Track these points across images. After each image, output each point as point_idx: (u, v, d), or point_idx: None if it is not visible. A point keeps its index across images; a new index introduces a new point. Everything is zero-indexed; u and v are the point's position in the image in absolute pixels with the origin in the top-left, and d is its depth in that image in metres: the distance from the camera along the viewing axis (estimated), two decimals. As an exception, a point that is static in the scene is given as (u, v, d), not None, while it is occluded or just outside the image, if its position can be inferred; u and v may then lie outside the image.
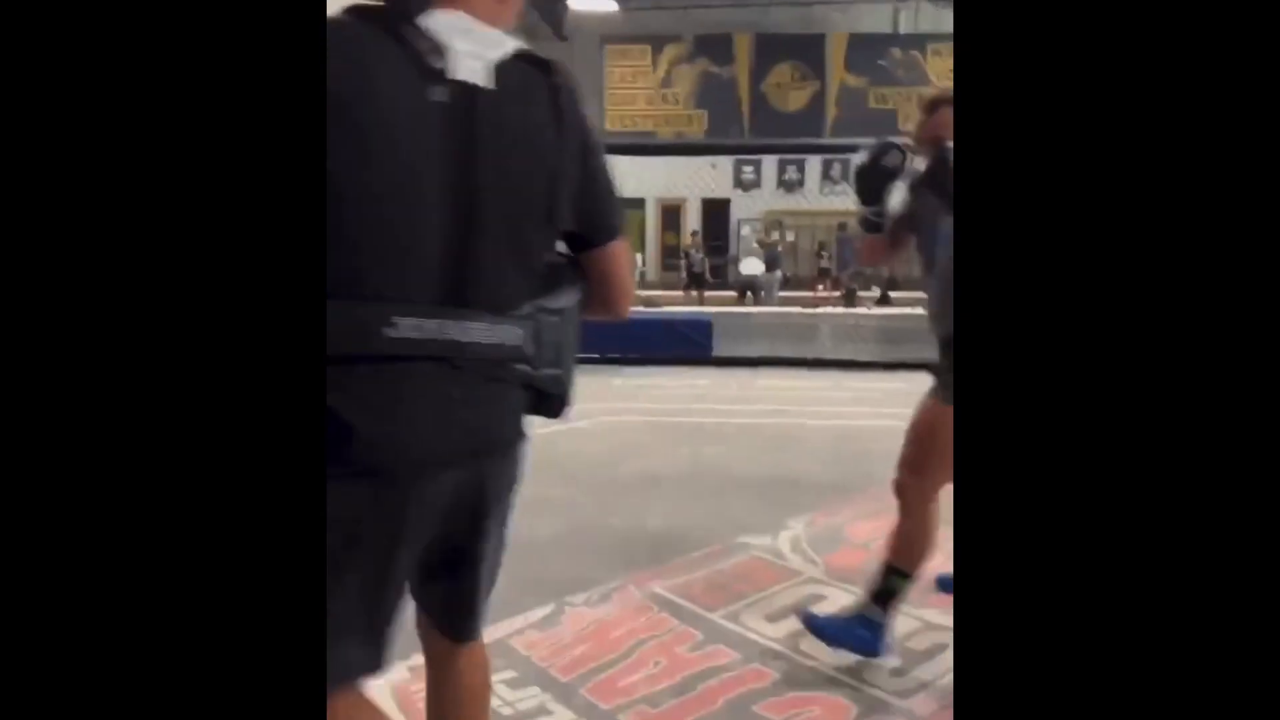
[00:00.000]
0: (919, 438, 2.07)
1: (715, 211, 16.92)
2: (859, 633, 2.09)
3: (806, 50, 15.27)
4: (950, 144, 1.84)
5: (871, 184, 2.01)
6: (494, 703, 1.91)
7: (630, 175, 14.30)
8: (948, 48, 13.06)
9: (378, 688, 1.85)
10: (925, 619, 2.33)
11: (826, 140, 14.31)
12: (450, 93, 1.00)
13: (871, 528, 2.87)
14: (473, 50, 1.02)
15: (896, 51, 15.06)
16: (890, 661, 2.09)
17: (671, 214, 17.21)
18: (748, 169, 16.68)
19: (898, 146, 1.97)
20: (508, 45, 1.06)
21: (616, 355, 7.02)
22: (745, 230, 16.53)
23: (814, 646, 2.13)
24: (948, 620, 2.31)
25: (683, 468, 4.01)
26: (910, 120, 2.26)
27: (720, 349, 7.30)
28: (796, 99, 15.41)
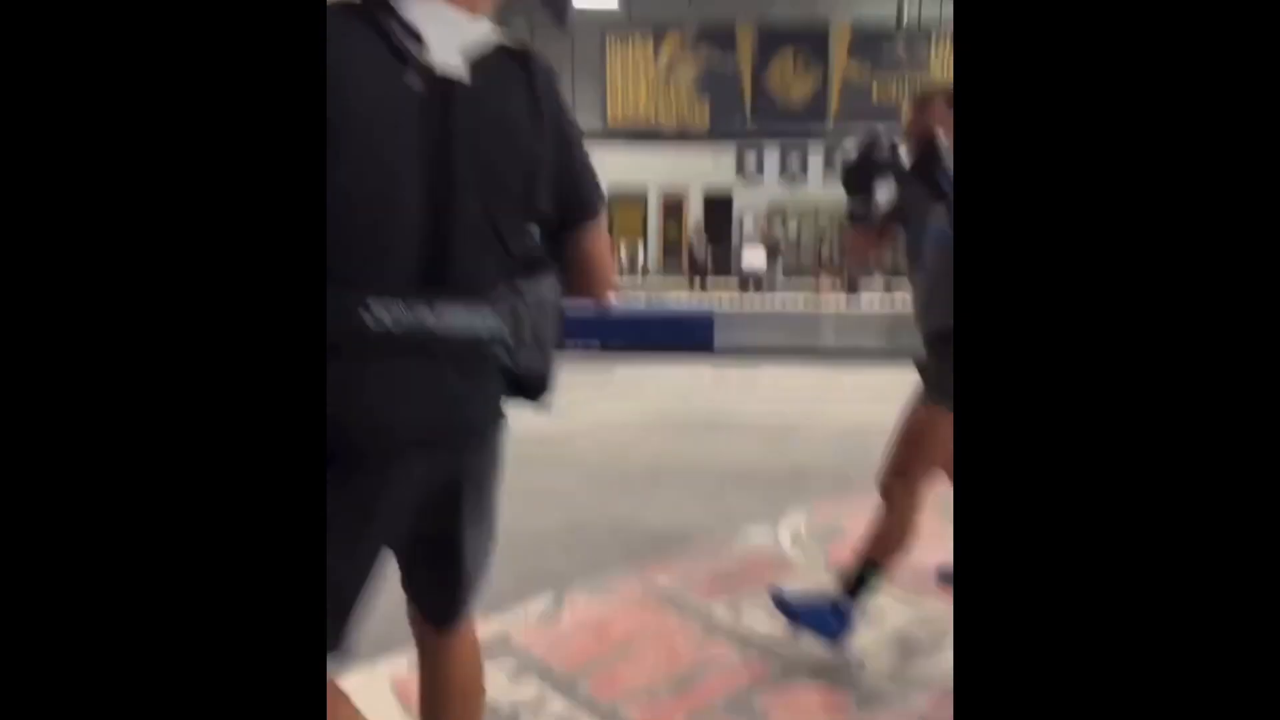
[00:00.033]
0: (906, 442, 2.10)
1: (717, 202, 16.90)
2: (827, 618, 2.12)
3: (809, 40, 15.23)
4: (941, 138, 1.83)
5: (859, 175, 2.00)
6: (493, 694, 1.92)
7: (632, 166, 14.29)
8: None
9: (377, 680, 1.86)
10: (923, 611, 2.34)
11: (829, 130, 14.28)
12: (426, 82, 1.02)
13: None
14: (449, 39, 1.04)
15: (900, 42, 15.01)
16: (851, 654, 2.12)
17: (674, 205, 17.19)
18: (750, 159, 16.65)
19: (885, 137, 1.96)
20: (485, 33, 1.08)
21: (618, 347, 7.02)
22: (747, 221, 16.51)
23: (814, 639, 2.13)
24: (946, 612, 2.31)
25: (683, 460, 4.01)
26: (914, 111, 2.26)
27: (721, 342, 7.29)
28: (799, 89, 15.38)
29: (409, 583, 1.23)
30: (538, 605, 2.36)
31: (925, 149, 1.82)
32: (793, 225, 16.48)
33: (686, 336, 7.24)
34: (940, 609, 2.34)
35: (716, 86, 15.33)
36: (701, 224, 15.20)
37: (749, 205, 16.71)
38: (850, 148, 2.05)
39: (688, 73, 15.34)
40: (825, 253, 15.26)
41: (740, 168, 16.70)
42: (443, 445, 1.09)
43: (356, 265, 0.99)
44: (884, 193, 2.10)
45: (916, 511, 2.10)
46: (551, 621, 2.29)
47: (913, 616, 2.31)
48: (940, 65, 14.44)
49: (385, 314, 1.00)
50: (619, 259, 15.61)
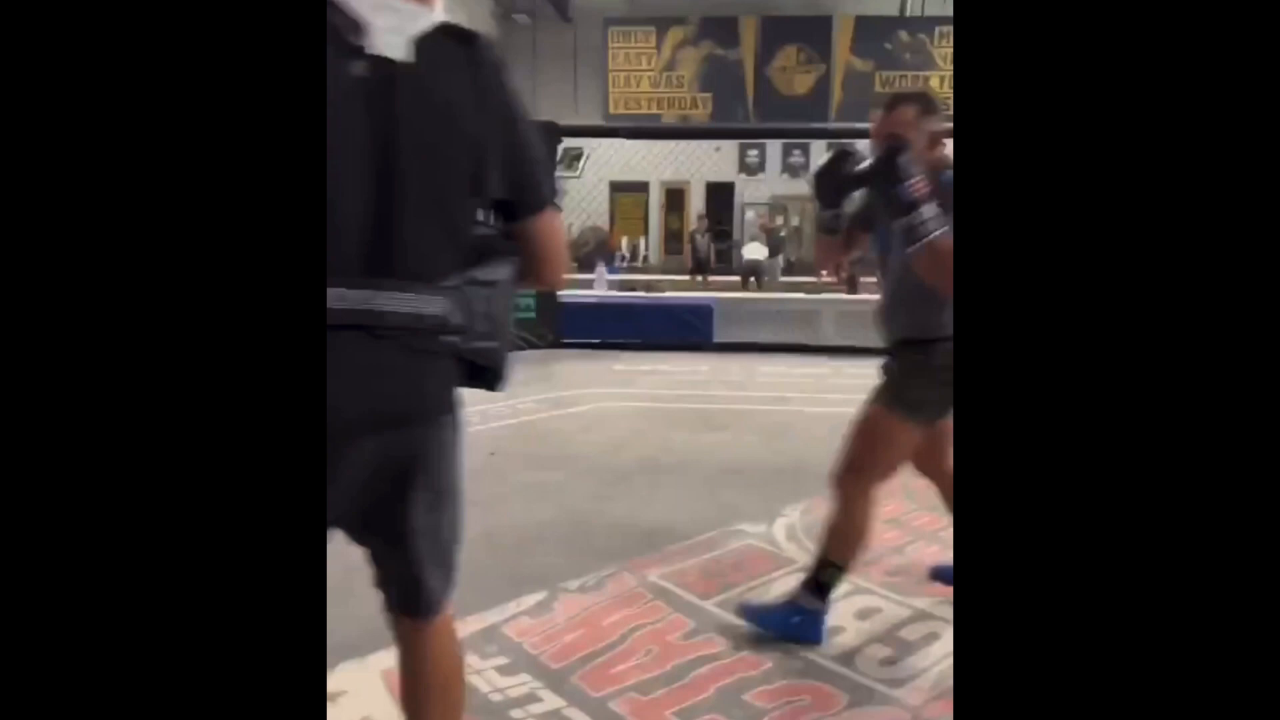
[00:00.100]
0: (861, 438, 2.11)
1: (719, 195, 16.86)
2: (792, 620, 2.14)
3: (812, 33, 15.16)
4: (905, 144, 1.82)
5: (829, 189, 2.00)
6: (484, 689, 1.92)
7: (634, 158, 14.26)
8: (955, 32, 12.92)
9: (369, 674, 1.86)
10: (917, 609, 2.34)
11: (832, 124, 14.22)
12: (369, 68, 1.04)
13: (867, 516, 2.86)
14: (392, 25, 1.05)
15: (904, 35, 14.95)
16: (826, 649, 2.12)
17: (675, 198, 17.15)
18: (752, 153, 16.60)
19: (856, 153, 1.96)
20: (429, 19, 1.09)
21: (617, 340, 7.01)
22: (749, 214, 16.48)
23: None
24: (939, 610, 2.32)
25: (680, 455, 4.01)
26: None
27: (721, 335, 7.28)
28: (802, 83, 15.32)
29: (376, 572, 1.25)
30: (530, 600, 2.36)
31: (886, 155, 1.81)
32: (795, 219, 16.45)
33: (686, 328, 7.22)
34: (932, 607, 2.34)
35: (719, 79, 15.28)
36: (704, 217, 15.16)
37: (751, 199, 16.68)
38: (822, 161, 2.05)
39: (690, 66, 15.29)
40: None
41: (742, 161, 16.66)
42: (390, 429, 1.10)
43: None
44: (854, 206, 2.12)
45: (871, 507, 2.13)
46: (543, 616, 2.29)
47: (904, 614, 2.31)
48: (943, 59, 14.39)
49: (334, 298, 1.01)
50: (622, 251, 15.62)
